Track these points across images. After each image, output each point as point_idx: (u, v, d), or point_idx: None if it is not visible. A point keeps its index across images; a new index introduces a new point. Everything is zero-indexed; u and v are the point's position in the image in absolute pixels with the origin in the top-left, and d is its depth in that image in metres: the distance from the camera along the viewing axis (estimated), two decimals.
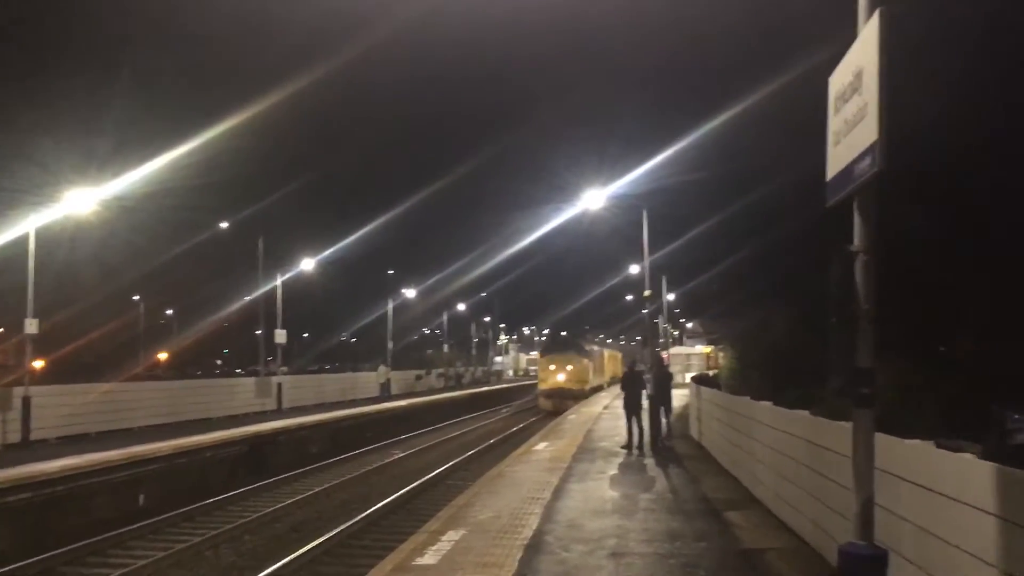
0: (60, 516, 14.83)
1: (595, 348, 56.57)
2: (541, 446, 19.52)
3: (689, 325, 76.34)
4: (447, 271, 67.80)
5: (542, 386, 45.01)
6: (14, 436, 20.26)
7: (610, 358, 65.76)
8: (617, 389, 40.98)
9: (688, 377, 35.38)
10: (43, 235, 23.28)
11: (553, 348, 47.86)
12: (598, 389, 51.10)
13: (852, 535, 4.62)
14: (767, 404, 10.93)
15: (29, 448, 19.68)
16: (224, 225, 42.38)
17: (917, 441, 5.59)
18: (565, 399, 41.22)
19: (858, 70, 4.52)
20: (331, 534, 13.65)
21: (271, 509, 16.24)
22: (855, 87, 4.56)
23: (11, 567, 11.79)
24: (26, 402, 20.70)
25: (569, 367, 43.73)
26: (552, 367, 44.16)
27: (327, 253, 46.08)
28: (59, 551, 12.75)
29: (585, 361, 45.63)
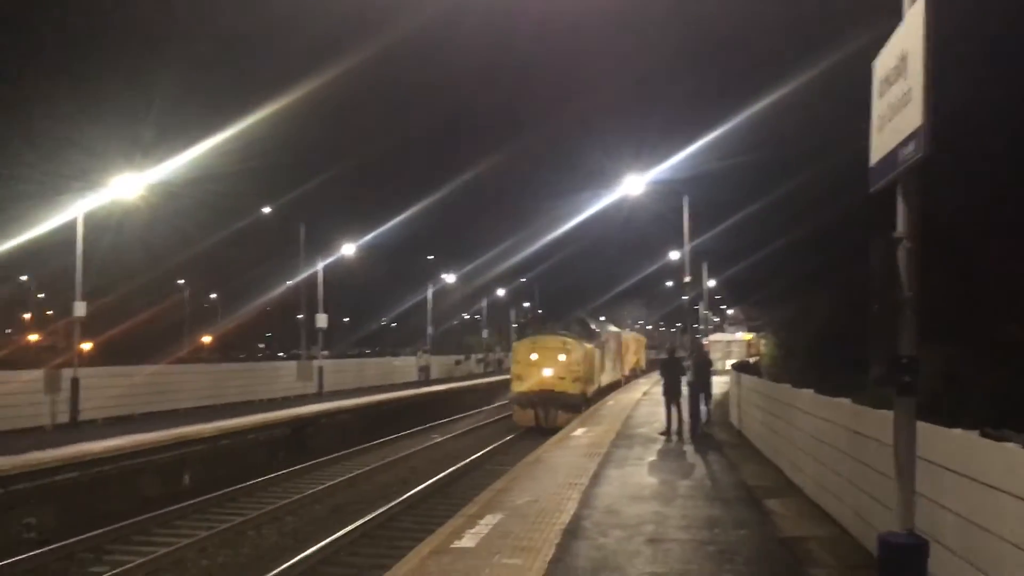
0: (107, 495, 15.18)
1: (609, 329, 38.22)
2: (579, 432, 19.54)
3: (730, 312, 75.90)
4: (486, 257, 67.76)
5: (517, 387, 27.36)
6: (63, 417, 20.75)
7: (634, 342, 50.00)
8: (655, 376, 40.20)
9: (728, 364, 34.54)
10: (91, 220, 23.75)
11: (537, 328, 30.30)
12: (614, 387, 37.07)
13: (893, 524, 4.58)
14: (808, 392, 10.82)
15: (77, 428, 20.15)
16: (266, 210, 43.03)
17: (960, 430, 5.51)
18: (555, 408, 26.51)
19: (903, 54, 4.44)
20: (370, 516, 13.80)
21: (312, 491, 16.46)
22: (900, 71, 4.47)
23: (59, 544, 12.08)
24: (75, 383, 21.18)
25: (562, 357, 26.96)
26: (534, 357, 27.20)
27: (367, 239, 46.31)
28: (105, 529, 13.01)
29: (589, 348, 29.30)
